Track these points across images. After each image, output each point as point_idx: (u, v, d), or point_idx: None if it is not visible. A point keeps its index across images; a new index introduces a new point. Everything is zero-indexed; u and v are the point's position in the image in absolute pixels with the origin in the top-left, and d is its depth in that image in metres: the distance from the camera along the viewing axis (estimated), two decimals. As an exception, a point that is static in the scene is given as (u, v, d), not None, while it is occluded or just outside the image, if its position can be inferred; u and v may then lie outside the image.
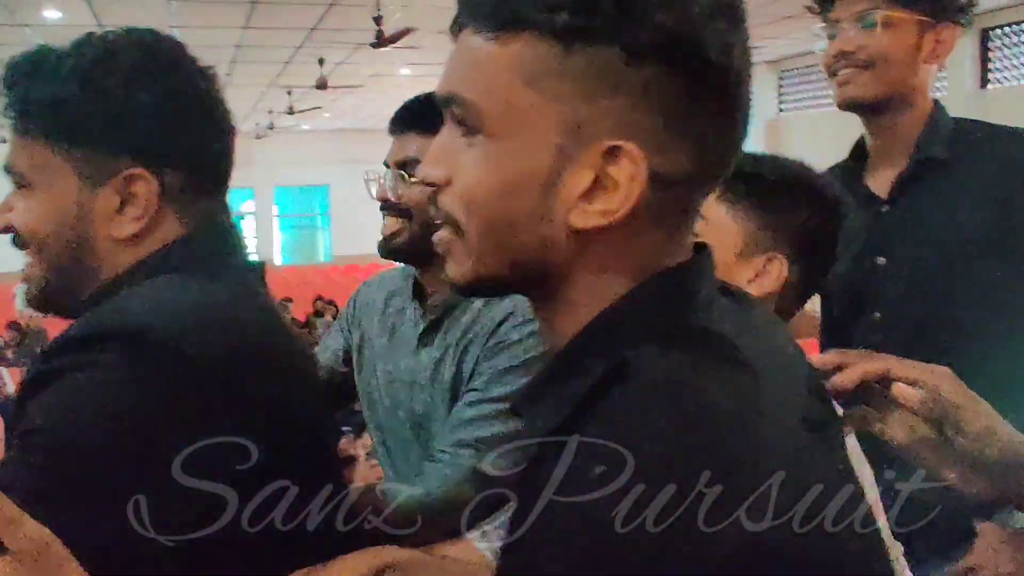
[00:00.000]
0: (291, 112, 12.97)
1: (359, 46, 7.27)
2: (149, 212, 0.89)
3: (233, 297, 0.90)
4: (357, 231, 18.61)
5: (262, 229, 19.09)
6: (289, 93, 11.76)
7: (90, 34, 0.92)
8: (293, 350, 0.98)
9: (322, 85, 9.76)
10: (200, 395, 0.79)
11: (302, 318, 9.50)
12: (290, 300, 9.20)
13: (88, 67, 0.88)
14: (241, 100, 12.98)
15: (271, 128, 16.09)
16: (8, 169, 0.91)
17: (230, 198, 0.97)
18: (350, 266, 16.40)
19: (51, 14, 7.10)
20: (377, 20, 6.77)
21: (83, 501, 0.73)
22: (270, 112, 14.09)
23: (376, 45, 6.99)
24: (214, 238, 0.94)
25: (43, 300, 0.94)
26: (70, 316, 0.91)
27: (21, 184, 0.91)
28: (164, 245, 0.90)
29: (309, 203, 19.69)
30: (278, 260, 19.35)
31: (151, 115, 0.88)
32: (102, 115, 0.87)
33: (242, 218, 19.18)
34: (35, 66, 0.90)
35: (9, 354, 8.63)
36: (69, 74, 0.88)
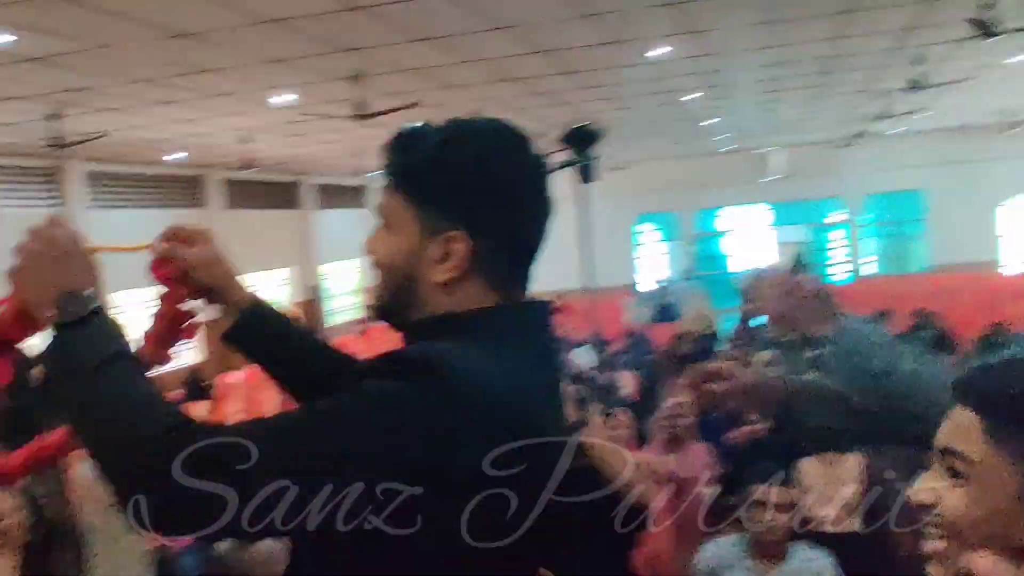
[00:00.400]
0: (886, 116, 12.46)
1: (961, 39, 6.71)
2: (461, 267, 1.09)
3: (514, 368, 1.04)
4: (957, 237, 17.16)
5: (853, 239, 18.62)
6: (882, 97, 11.31)
7: (456, 119, 1.15)
8: (546, 425, 1.07)
9: (919, 85, 9.20)
10: (453, 432, 0.96)
11: (900, 330, 9.02)
12: (886, 312, 8.81)
13: (441, 147, 1.11)
14: (830, 110, 12.85)
15: (860, 136, 15.63)
16: (377, 210, 1.17)
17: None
18: (950, 275, 15.13)
19: (659, 51, 7.86)
20: (985, 9, 6.18)
21: (313, 462, 0.94)
22: (861, 119, 13.71)
23: (986, 36, 6.39)
24: (515, 314, 1.12)
25: (380, 313, 1.18)
26: (398, 330, 1.16)
27: (382, 224, 1.16)
28: (476, 307, 1.10)
29: (903, 209, 18.66)
30: (872, 270, 18.68)
31: (477, 192, 1.09)
32: (441, 185, 1.10)
33: (832, 228, 18.94)
34: (409, 138, 1.14)
35: (623, 359, 9.81)
36: (426, 149, 1.11)
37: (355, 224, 19.46)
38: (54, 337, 1.03)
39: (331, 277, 18.43)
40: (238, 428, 0.98)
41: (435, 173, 1.10)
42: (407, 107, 9.01)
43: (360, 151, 13.32)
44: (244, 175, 14.19)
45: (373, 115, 7.94)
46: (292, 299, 16.96)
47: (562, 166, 5.47)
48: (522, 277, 1.15)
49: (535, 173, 1.15)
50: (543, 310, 1.16)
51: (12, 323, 1.14)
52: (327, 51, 6.73)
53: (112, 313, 1.07)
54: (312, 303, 17.33)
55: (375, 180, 19.65)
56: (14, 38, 5.60)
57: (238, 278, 1.34)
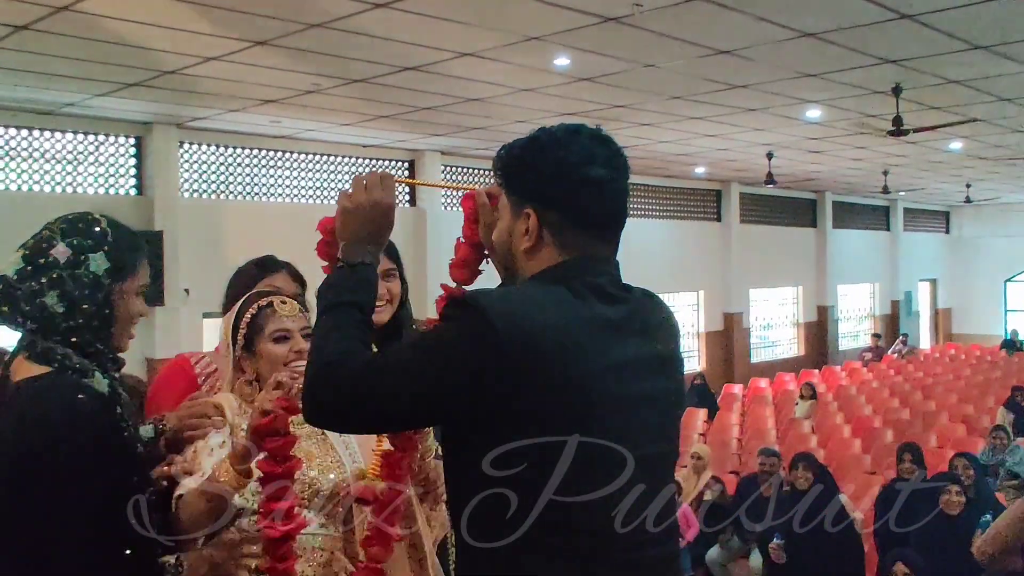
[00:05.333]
0: None
1: None
2: (536, 236, 1.44)
3: (560, 301, 1.36)
4: None
5: None
6: None
7: (542, 128, 1.49)
8: (567, 343, 1.34)
9: None
10: (489, 355, 1.30)
11: None
12: None
13: (520, 147, 1.48)
14: None
15: None
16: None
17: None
18: None
19: None
20: None
21: (397, 369, 1.38)
22: None
23: None
24: (577, 265, 1.43)
25: (503, 281, 1.58)
26: None
27: (501, 213, 1.53)
28: (549, 265, 1.44)
29: None
30: None
31: (539, 177, 1.44)
32: (518, 175, 1.48)
33: None
34: (507, 145, 1.50)
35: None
36: (514, 149, 1.49)
37: (872, 246, 18.44)
38: (336, 268, 1.53)
39: (843, 300, 17.70)
40: (371, 362, 1.41)
41: (515, 167, 1.49)
42: (946, 125, 8.27)
43: (886, 169, 12.57)
44: (761, 190, 14.27)
45: (914, 131, 7.42)
46: (799, 320, 16.65)
47: None
48: (593, 244, 1.45)
49: (603, 167, 1.44)
50: (592, 264, 1.44)
51: (325, 242, 1.64)
52: (864, 64, 6.44)
53: (372, 272, 1.52)
54: (820, 325, 16.82)
55: (901, 201, 18.43)
56: (568, 61, 6.29)
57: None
